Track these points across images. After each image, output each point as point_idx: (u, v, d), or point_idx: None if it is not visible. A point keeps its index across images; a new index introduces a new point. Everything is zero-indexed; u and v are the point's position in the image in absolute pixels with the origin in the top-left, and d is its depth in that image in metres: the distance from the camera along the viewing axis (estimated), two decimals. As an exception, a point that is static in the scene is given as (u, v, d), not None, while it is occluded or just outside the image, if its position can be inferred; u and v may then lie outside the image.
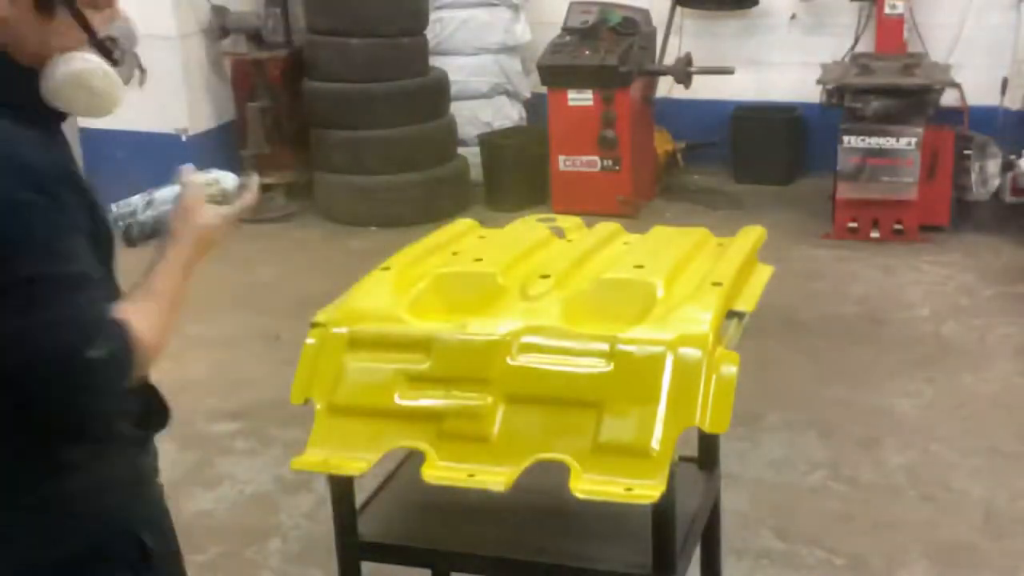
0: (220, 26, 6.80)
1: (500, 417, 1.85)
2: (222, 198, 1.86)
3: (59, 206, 1.58)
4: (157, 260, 1.79)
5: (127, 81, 1.75)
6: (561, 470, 1.80)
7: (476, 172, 6.99)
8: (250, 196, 1.88)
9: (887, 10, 6.51)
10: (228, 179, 1.92)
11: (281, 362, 4.62)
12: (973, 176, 6.17)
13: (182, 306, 1.79)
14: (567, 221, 2.50)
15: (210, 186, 1.87)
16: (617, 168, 6.52)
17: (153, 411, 1.86)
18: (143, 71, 1.81)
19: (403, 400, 1.91)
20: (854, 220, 6.09)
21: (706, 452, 2.37)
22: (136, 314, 1.66)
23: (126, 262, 1.96)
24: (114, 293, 1.76)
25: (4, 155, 1.56)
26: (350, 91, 6.59)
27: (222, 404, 4.49)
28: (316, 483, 3.68)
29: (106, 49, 1.69)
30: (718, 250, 2.30)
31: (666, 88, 7.00)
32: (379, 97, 6.57)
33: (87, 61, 1.66)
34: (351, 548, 2.12)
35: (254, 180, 1.89)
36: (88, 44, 1.67)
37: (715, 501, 2.39)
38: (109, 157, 6.92)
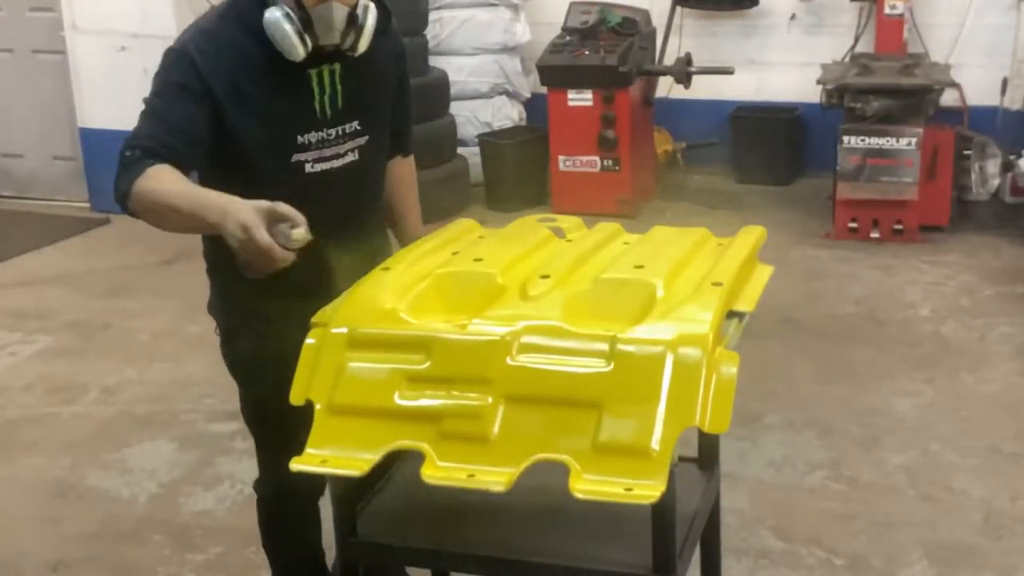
0: (220, 26, 6.79)
1: (500, 417, 1.85)
2: (284, 241, 2.05)
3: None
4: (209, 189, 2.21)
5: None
6: (561, 470, 1.80)
7: (476, 172, 6.99)
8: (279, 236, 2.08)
9: (887, 10, 6.52)
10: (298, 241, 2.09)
11: (281, 362, 4.64)
12: (973, 176, 6.18)
13: (168, 218, 2.24)
14: (567, 221, 2.50)
15: (294, 236, 2.06)
16: (617, 168, 6.53)
17: None
18: None
19: (403, 400, 1.91)
20: (854, 220, 6.09)
21: (706, 452, 2.37)
22: (162, 173, 2.25)
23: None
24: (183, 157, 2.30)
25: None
26: (350, 91, 6.58)
27: (222, 404, 4.49)
28: (316, 483, 3.68)
29: None
30: (718, 250, 2.30)
31: (666, 88, 7.01)
32: (379, 97, 6.57)
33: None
34: (351, 548, 2.12)
35: (301, 233, 2.07)
36: None
37: (715, 501, 2.39)
38: (110, 157, 6.91)
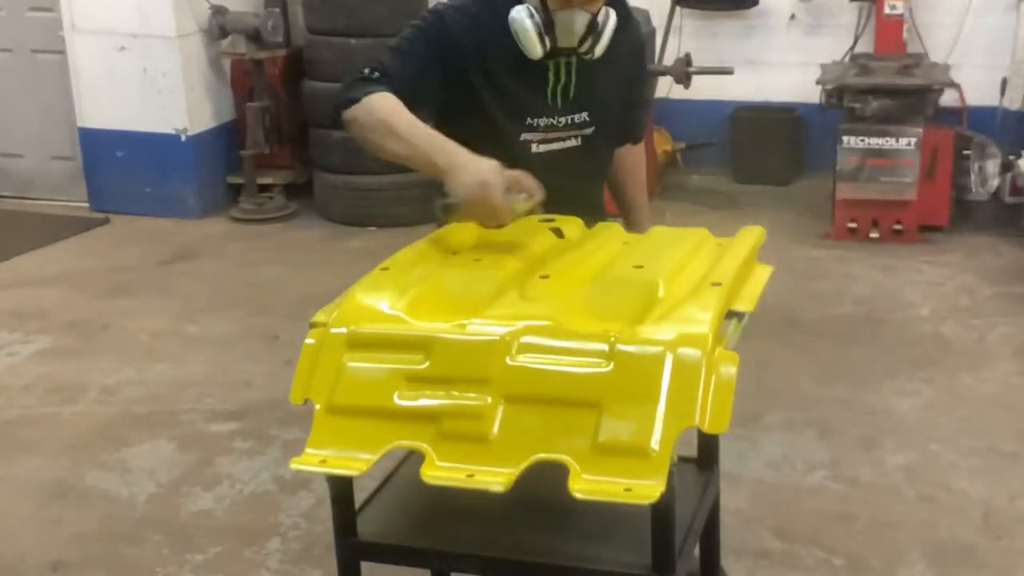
0: (219, 26, 6.79)
1: (499, 417, 1.85)
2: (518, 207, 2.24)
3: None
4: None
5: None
6: (561, 470, 1.80)
7: (475, 172, 6.98)
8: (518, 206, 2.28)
9: (886, 10, 6.52)
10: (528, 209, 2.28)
11: (280, 362, 4.64)
12: (972, 176, 6.18)
13: (386, 141, 2.36)
14: (567, 221, 2.50)
15: (518, 207, 2.24)
16: (616, 168, 6.52)
17: None
18: None
19: (402, 400, 1.91)
20: (853, 220, 6.09)
21: (706, 452, 2.37)
22: (396, 101, 2.35)
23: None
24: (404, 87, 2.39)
25: None
26: (350, 91, 6.59)
27: (222, 404, 4.50)
28: (315, 483, 3.68)
29: None
30: (718, 250, 2.30)
31: (666, 88, 7.00)
32: (379, 97, 6.57)
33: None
34: (350, 548, 2.12)
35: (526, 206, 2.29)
36: None
37: (715, 501, 2.39)
38: (109, 157, 6.93)
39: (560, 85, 2.54)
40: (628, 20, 2.61)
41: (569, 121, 2.58)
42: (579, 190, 2.62)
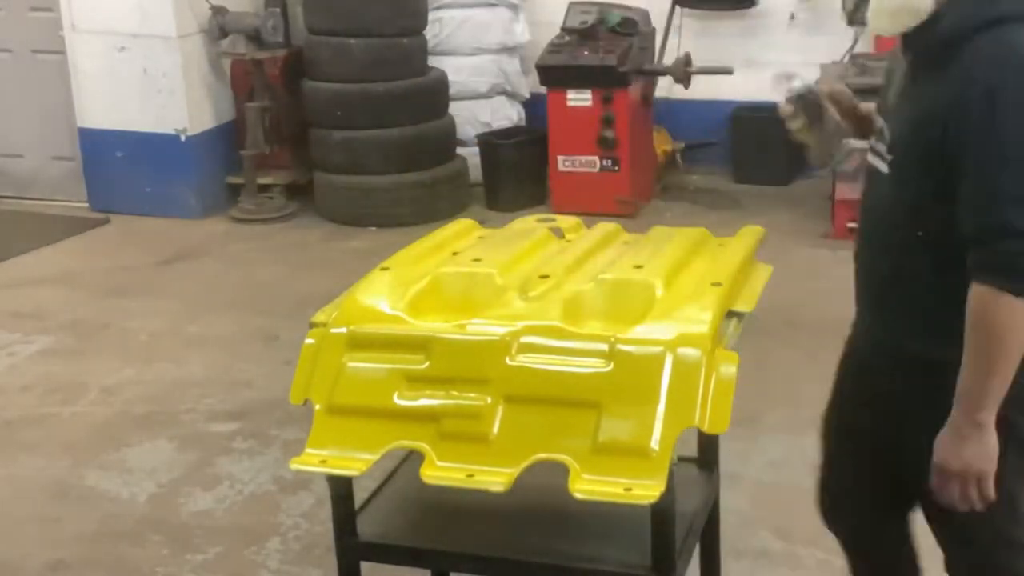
0: (219, 26, 6.79)
1: (499, 417, 1.85)
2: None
3: None
4: None
5: None
6: (561, 470, 1.80)
7: (475, 172, 6.99)
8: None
9: (887, 10, 6.51)
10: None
11: (280, 362, 4.63)
12: (973, 176, 6.17)
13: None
14: (566, 221, 2.50)
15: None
16: (616, 168, 6.52)
17: None
18: None
19: (402, 400, 1.91)
20: (854, 220, 6.07)
21: (705, 452, 2.37)
22: None
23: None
24: None
25: None
26: (350, 91, 6.59)
27: (221, 404, 4.49)
28: (315, 483, 3.68)
29: None
30: (718, 250, 2.30)
31: (666, 88, 7.00)
32: (379, 97, 6.58)
33: None
34: (350, 548, 2.12)
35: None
36: None
37: (714, 501, 2.39)
38: (109, 157, 6.93)
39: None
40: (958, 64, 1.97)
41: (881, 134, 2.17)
42: (884, 233, 2.31)
